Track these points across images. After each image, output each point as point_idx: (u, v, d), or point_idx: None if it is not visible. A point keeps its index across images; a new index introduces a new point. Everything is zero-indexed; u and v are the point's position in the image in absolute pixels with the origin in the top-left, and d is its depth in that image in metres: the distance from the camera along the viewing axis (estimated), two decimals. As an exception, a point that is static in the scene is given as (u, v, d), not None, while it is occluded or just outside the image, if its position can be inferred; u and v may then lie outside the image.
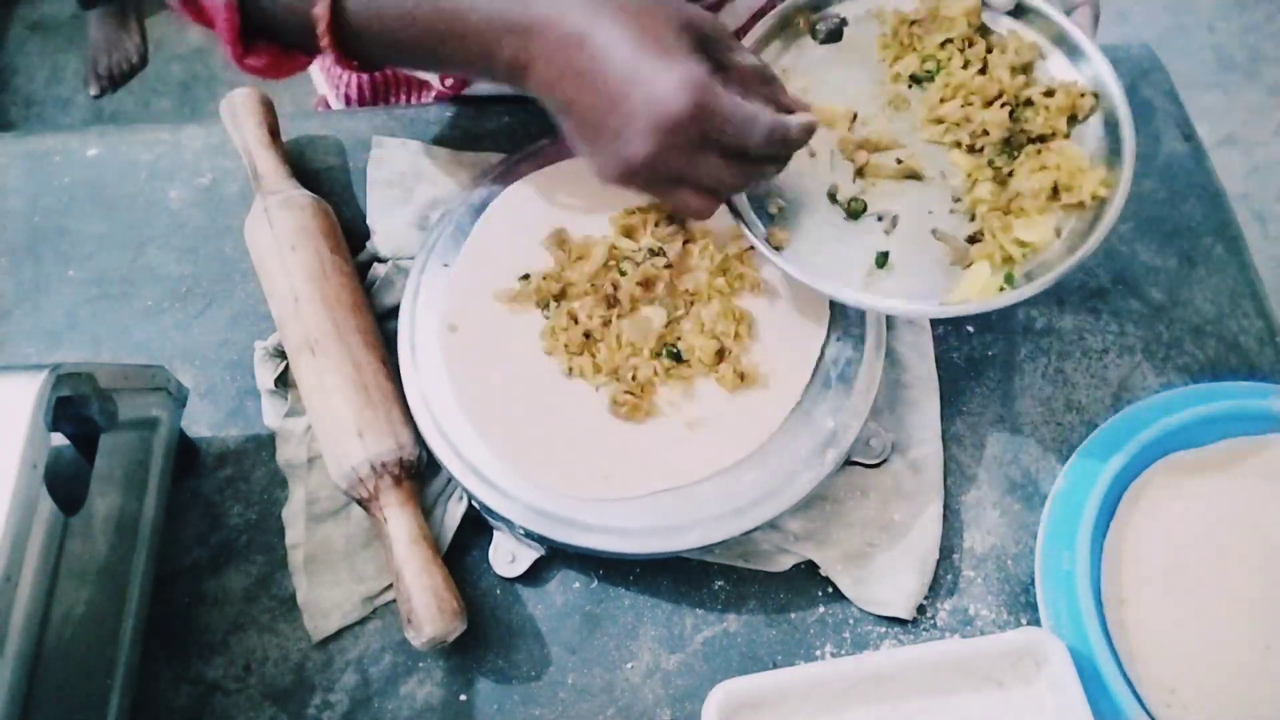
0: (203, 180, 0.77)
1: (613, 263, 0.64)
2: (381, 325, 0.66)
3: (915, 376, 0.66)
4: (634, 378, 0.60)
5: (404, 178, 0.74)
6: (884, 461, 0.63)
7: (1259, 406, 0.61)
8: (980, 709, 0.55)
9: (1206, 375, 0.69)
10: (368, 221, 0.73)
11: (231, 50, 0.60)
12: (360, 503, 0.60)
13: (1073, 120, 0.61)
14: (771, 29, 0.63)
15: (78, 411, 0.53)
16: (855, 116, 0.61)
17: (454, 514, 0.62)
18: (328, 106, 0.93)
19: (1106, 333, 0.70)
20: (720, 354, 0.61)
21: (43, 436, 0.49)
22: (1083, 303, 0.71)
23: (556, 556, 0.62)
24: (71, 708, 0.51)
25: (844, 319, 0.63)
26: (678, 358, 0.61)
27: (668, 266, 0.64)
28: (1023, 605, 0.61)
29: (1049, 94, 0.61)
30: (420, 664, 0.60)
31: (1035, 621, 0.60)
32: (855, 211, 0.59)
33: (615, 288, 0.63)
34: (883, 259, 0.58)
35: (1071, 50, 0.62)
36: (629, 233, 0.65)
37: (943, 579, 0.61)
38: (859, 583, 0.60)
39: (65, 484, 0.51)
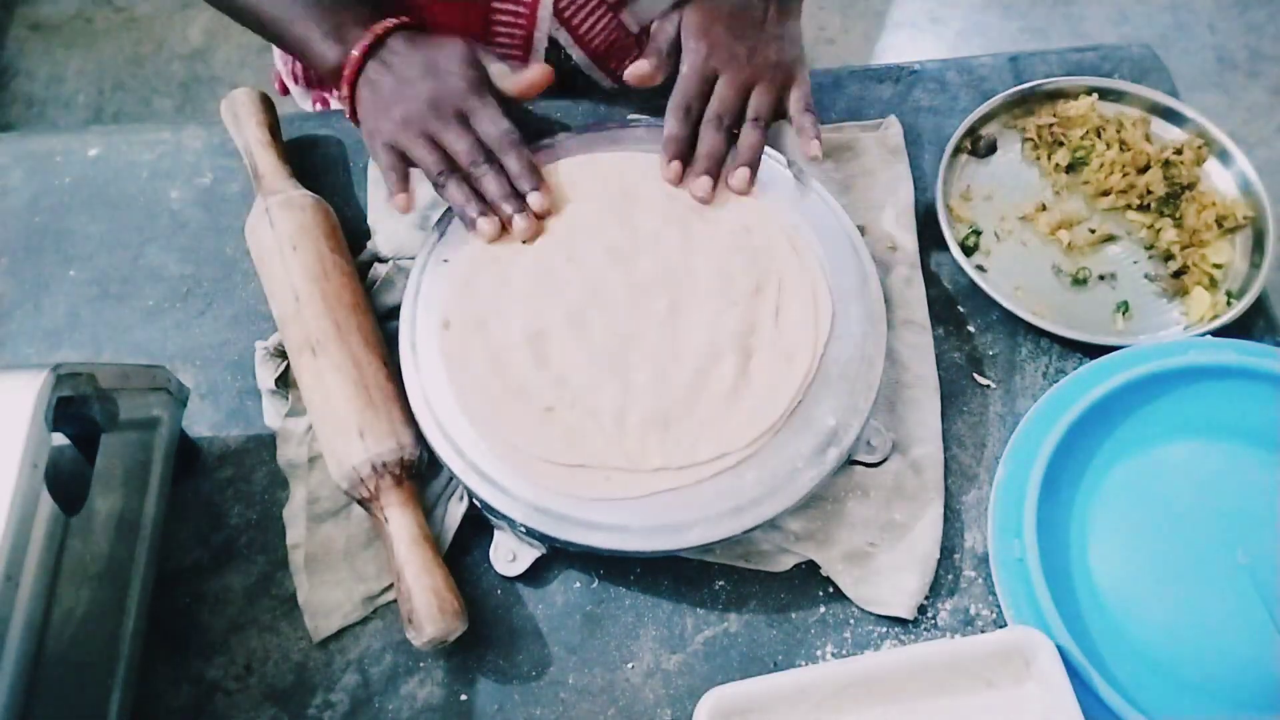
0: (203, 180, 0.77)
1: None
2: (382, 325, 0.66)
3: (916, 376, 0.66)
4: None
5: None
6: (885, 461, 0.63)
7: (1179, 363, 0.62)
8: (972, 710, 0.55)
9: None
10: (368, 221, 0.73)
11: None
12: (361, 503, 0.60)
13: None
14: (948, 158, 0.73)
15: (78, 411, 0.53)
16: (1044, 206, 0.73)
17: (455, 514, 0.62)
18: (284, 89, 0.94)
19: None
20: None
21: (43, 436, 0.49)
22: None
23: (557, 556, 0.62)
24: (72, 707, 0.51)
25: (844, 319, 0.63)
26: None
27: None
28: (1023, 605, 0.61)
29: (1178, 151, 0.73)
30: (421, 664, 0.60)
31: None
32: (1082, 279, 0.70)
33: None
34: (1125, 306, 0.69)
35: (1166, 113, 0.76)
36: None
37: (944, 579, 0.61)
38: (860, 582, 0.60)
39: (66, 484, 0.51)
